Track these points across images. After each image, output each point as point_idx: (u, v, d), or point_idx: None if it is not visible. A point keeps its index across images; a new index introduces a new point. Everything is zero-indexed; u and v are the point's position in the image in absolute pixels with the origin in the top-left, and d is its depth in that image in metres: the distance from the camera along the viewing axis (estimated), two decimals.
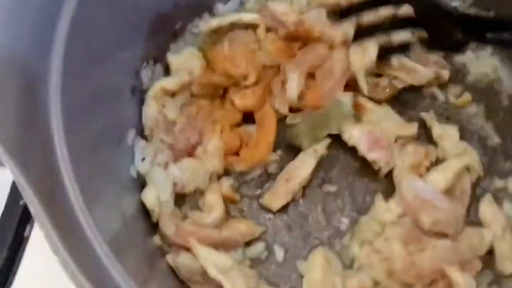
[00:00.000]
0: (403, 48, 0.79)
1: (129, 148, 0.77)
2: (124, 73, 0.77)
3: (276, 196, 0.79)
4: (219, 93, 0.84)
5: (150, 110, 0.79)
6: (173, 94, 0.81)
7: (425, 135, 0.83)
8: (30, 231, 0.83)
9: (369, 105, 0.82)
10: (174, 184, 0.76)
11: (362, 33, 0.78)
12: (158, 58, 0.84)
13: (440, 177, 0.76)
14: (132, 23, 0.75)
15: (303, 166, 0.79)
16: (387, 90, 0.84)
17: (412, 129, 0.81)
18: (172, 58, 0.83)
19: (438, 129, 0.81)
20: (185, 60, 0.82)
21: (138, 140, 0.78)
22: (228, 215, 0.78)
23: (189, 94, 0.83)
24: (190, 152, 0.79)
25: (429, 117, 0.83)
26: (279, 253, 0.77)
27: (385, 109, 0.83)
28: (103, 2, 0.66)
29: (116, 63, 0.72)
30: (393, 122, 0.81)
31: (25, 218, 0.83)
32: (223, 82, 0.83)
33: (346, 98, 0.80)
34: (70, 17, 0.60)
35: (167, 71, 0.85)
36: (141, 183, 0.76)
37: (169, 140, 0.79)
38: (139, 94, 0.80)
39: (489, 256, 0.74)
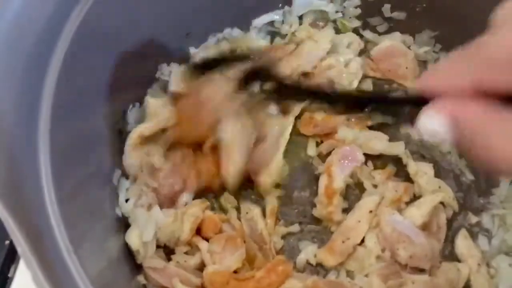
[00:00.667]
0: None
1: (114, 188, 0.79)
2: (111, 116, 0.79)
3: (333, 253, 0.79)
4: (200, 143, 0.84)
5: (131, 161, 0.80)
6: (155, 140, 0.82)
7: (402, 172, 0.86)
8: (14, 272, 0.83)
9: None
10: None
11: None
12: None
13: (417, 212, 0.79)
14: (119, 67, 0.78)
15: (358, 228, 0.80)
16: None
17: (400, 147, 0.85)
18: (150, 101, 0.85)
19: (414, 167, 0.84)
20: (162, 105, 0.84)
21: (123, 181, 0.80)
22: None
23: (170, 139, 0.83)
24: (173, 198, 0.81)
25: (405, 155, 0.86)
26: None
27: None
28: (92, 48, 0.69)
29: (103, 107, 0.75)
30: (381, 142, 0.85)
31: (10, 259, 0.84)
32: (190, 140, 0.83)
33: None
34: (59, 65, 0.63)
35: None
36: (125, 223, 0.78)
37: (153, 184, 0.80)
38: (126, 135, 0.82)
39: None
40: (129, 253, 0.75)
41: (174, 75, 0.86)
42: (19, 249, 0.50)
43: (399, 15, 0.95)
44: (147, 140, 0.81)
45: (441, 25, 0.93)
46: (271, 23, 0.97)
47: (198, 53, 0.91)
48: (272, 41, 0.97)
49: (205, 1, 0.87)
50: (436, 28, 0.94)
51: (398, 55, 0.95)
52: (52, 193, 0.56)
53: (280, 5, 0.96)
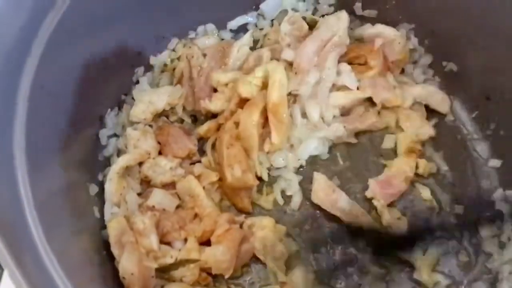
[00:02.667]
0: None
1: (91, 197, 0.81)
2: (88, 120, 0.81)
3: None
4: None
5: (114, 187, 0.81)
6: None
7: None
8: None
9: None
10: None
11: None
12: (122, 105, 0.90)
13: None
14: (94, 71, 0.79)
15: None
16: None
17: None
18: (130, 133, 0.86)
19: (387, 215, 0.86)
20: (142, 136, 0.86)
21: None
22: None
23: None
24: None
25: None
26: None
27: None
28: (66, 52, 0.71)
29: (79, 112, 0.76)
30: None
31: None
32: None
33: None
34: (34, 69, 0.65)
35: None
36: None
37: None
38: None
39: None
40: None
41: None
42: None
43: (370, 12, 0.98)
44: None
45: (412, 20, 0.96)
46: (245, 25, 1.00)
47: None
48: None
49: (179, 4, 0.89)
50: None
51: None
52: (29, 195, 0.57)
53: (254, 7, 0.99)
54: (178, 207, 0.84)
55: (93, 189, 0.81)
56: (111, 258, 0.76)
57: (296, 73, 0.90)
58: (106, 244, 0.77)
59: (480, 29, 0.85)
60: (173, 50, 0.96)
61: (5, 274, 0.83)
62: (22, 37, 0.65)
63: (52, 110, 0.69)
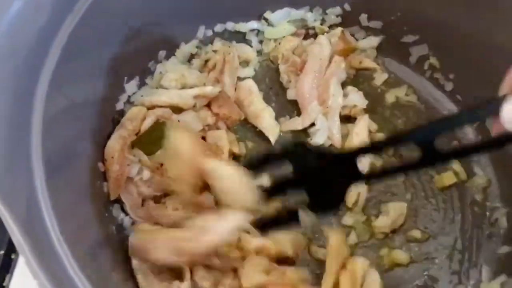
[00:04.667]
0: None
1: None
2: (103, 121, 0.83)
3: None
4: None
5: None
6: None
7: None
8: (9, 281, 0.85)
9: None
10: None
11: None
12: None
13: None
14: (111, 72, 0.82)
15: None
16: None
17: None
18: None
19: None
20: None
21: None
22: None
23: None
24: None
25: None
26: None
27: None
28: (83, 53, 0.74)
29: (93, 115, 0.79)
30: None
31: (5, 268, 0.86)
32: None
33: None
34: (51, 71, 0.67)
35: None
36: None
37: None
38: None
39: None
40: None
41: None
42: (13, 238, 0.52)
43: (376, 24, 1.00)
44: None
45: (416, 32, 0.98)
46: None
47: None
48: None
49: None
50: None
51: None
52: (44, 185, 0.59)
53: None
54: None
55: None
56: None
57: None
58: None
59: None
60: (211, 43, 1.00)
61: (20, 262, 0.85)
62: (41, 38, 0.67)
63: (68, 110, 0.71)
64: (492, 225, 0.90)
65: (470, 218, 0.90)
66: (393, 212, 0.88)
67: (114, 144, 0.81)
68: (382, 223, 0.87)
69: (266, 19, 1.02)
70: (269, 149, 0.94)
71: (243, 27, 1.01)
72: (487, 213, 0.91)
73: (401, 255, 0.86)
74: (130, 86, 0.90)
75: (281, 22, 1.02)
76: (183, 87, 0.93)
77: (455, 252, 0.88)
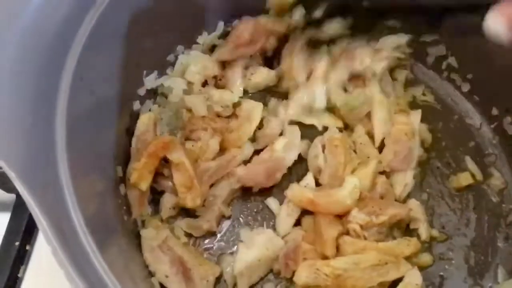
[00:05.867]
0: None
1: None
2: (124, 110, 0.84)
3: None
4: None
5: None
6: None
7: None
8: (24, 272, 0.85)
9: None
10: None
11: None
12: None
13: None
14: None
15: None
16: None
17: None
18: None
19: None
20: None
21: None
22: None
23: None
24: None
25: None
26: None
27: None
28: (106, 43, 0.74)
29: (116, 103, 0.79)
30: None
31: (20, 259, 0.86)
32: None
33: None
34: (75, 60, 0.67)
35: None
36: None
37: None
38: None
39: None
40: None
41: None
42: (39, 227, 0.52)
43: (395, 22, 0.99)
44: None
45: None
46: None
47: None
48: None
49: None
50: None
51: None
52: (67, 172, 0.59)
53: None
54: None
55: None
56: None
57: None
58: None
59: None
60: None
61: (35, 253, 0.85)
62: (64, 31, 0.67)
63: (91, 103, 0.72)
64: (508, 226, 0.89)
65: (486, 219, 0.90)
66: None
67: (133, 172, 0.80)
68: None
69: None
70: None
71: None
72: (504, 215, 0.90)
73: (426, 257, 0.86)
74: (149, 80, 0.90)
75: None
76: (206, 79, 0.93)
77: (471, 253, 0.87)
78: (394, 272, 0.78)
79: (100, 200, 0.70)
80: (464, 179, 0.92)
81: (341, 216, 0.82)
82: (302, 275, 0.76)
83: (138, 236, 0.79)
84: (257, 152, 0.89)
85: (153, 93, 0.92)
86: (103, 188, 0.73)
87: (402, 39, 0.94)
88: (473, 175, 0.93)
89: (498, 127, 0.95)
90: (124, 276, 0.60)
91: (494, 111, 0.95)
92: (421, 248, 0.83)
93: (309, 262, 0.77)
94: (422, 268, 0.83)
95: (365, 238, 0.80)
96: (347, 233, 0.81)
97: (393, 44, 0.94)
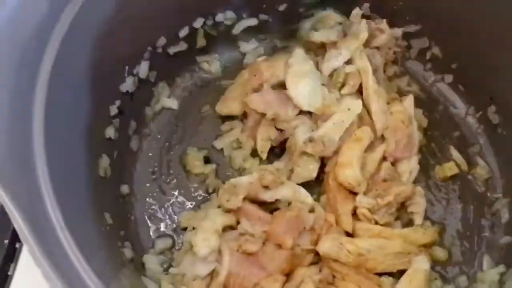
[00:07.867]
0: None
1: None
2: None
3: None
4: None
5: None
6: None
7: None
8: (14, 270, 0.86)
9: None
10: None
11: None
12: None
13: None
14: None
15: None
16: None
17: None
18: None
19: None
20: None
21: None
22: None
23: None
24: None
25: None
26: None
27: None
28: (83, 42, 0.74)
29: (94, 102, 0.79)
30: None
31: (10, 257, 0.87)
32: None
33: None
34: (53, 58, 0.67)
35: None
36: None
37: None
38: None
39: None
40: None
41: None
42: (15, 225, 0.53)
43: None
44: None
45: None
46: None
47: None
48: None
49: None
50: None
51: None
52: (44, 168, 0.60)
53: None
54: None
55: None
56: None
57: None
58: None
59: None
60: None
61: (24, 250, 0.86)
62: (42, 27, 0.67)
63: (71, 98, 0.72)
64: (493, 215, 0.90)
65: (472, 209, 0.90)
66: None
67: None
68: None
69: None
70: None
71: None
72: (489, 204, 0.91)
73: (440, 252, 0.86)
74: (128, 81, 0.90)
75: None
76: None
77: (456, 242, 0.88)
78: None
79: (79, 197, 0.70)
80: (449, 169, 0.92)
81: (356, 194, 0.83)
82: (325, 245, 0.78)
83: (119, 231, 0.80)
84: None
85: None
86: (82, 183, 0.73)
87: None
88: (458, 165, 0.93)
89: (482, 116, 0.95)
90: (104, 273, 0.60)
91: (479, 101, 0.95)
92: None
93: (335, 235, 0.80)
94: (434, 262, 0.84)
95: (376, 222, 0.82)
96: (358, 218, 0.83)
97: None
